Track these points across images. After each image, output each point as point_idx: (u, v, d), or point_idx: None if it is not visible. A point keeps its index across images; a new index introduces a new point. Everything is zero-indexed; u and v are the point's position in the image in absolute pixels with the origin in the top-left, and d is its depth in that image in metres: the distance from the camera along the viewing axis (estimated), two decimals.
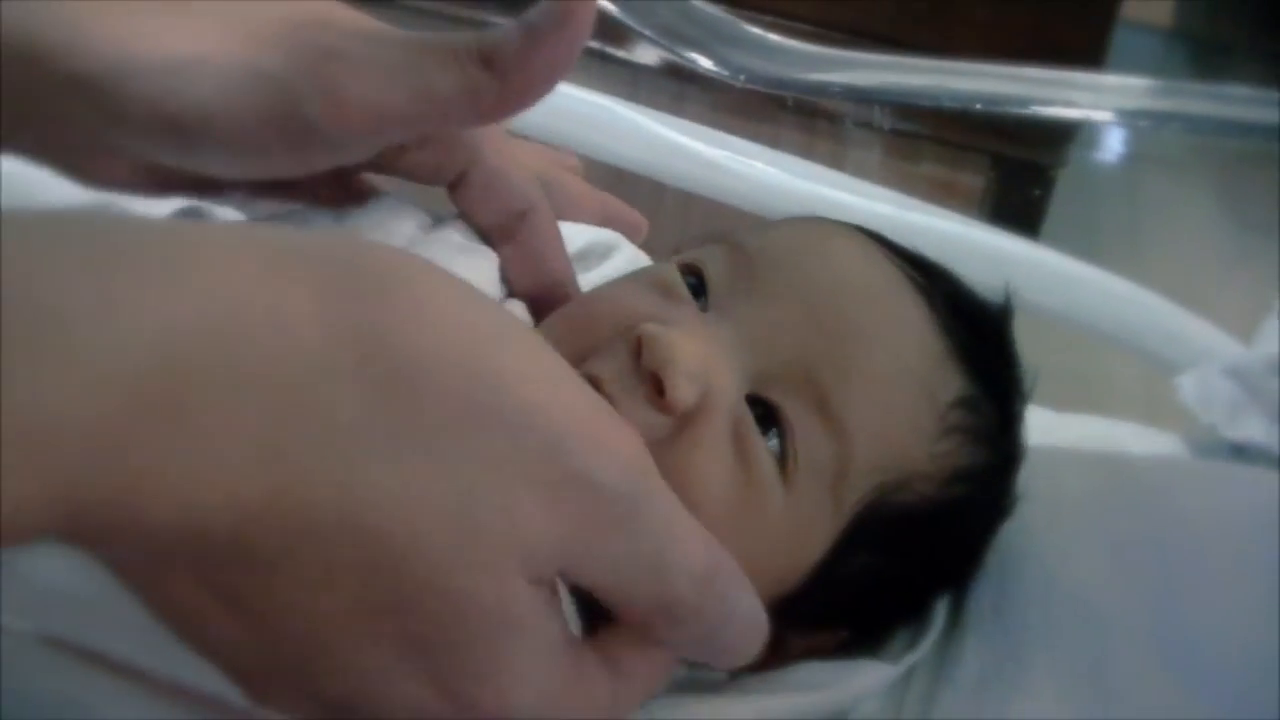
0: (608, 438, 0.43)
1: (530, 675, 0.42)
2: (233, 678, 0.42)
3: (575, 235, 0.68)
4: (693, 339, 0.53)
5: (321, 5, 0.54)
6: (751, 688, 0.57)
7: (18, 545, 0.35)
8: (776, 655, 0.55)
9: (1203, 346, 0.89)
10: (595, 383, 0.51)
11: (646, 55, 1.25)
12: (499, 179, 0.59)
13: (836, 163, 1.33)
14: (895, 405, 0.56)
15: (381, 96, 0.51)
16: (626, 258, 0.71)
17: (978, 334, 0.61)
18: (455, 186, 0.60)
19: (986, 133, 1.22)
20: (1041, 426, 0.85)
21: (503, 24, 0.50)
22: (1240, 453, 0.77)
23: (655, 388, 0.52)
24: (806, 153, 1.32)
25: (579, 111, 1.02)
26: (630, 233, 0.72)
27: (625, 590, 0.43)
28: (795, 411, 0.54)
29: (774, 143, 1.33)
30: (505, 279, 0.62)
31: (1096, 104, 1.04)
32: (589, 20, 0.50)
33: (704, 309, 0.57)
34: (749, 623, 0.47)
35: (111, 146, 0.52)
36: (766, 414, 0.54)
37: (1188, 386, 0.80)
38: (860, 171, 1.32)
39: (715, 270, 0.58)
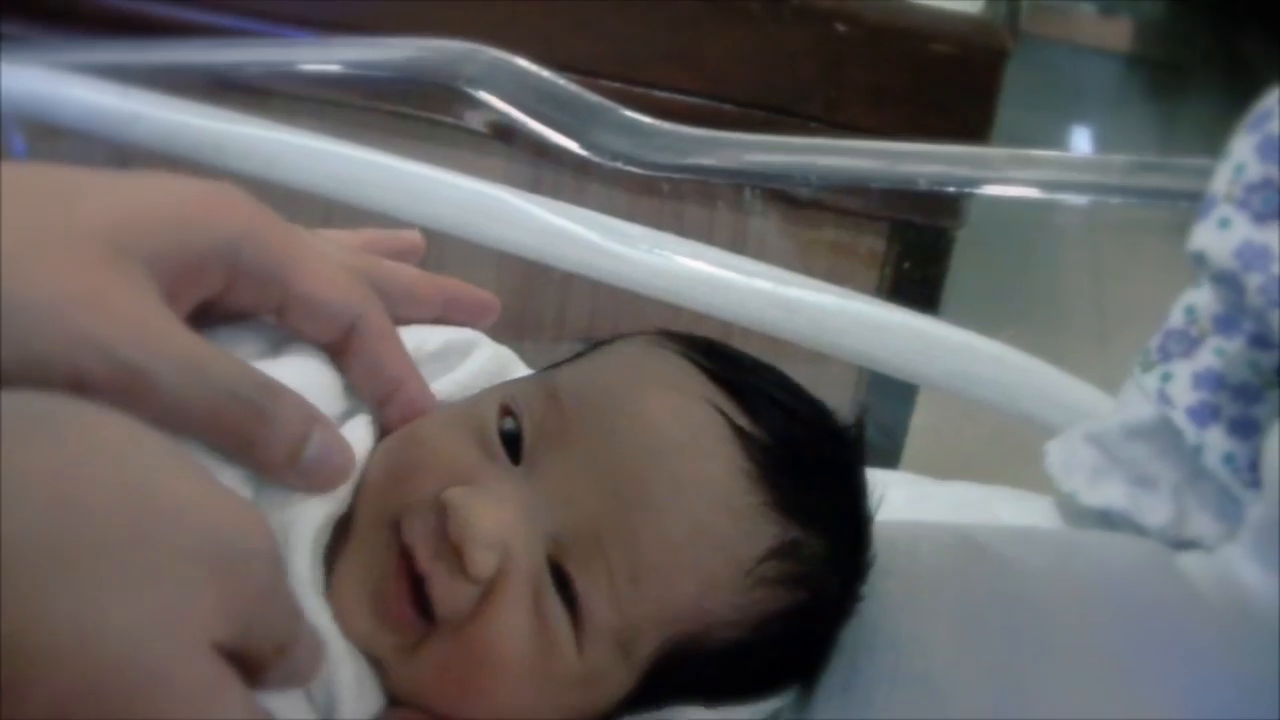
0: (248, 519, 0.50)
1: None
2: None
3: (432, 335, 0.69)
4: (494, 507, 0.57)
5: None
6: None
7: None
8: None
9: (1084, 410, 0.90)
10: (409, 554, 0.56)
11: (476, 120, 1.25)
12: (314, 303, 0.61)
13: (739, 233, 1.35)
14: (685, 568, 0.58)
15: None
16: (487, 354, 0.71)
17: (805, 474, 0.62)
18: (279, 316, 0.61)
19: (883, 198, 1.23)
20: (918, 495, 0.86)
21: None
22: (1107, 518, 0.78)
23: (459, 558, 0.55)
24: (709, 224, 1.35)
25: (461, 199, 1.04)
26: (478, 315, 0.72)
27: (266, 641, 0.50)
28: (587, 575, 0.57)
29: (678, 216, 1.35)
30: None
31: (981, 178, 1.06)
32: None
33: (518, 460, 0.59)
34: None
35: None
36: (563, 576, 0.57)
37: (1053, 453, 0.81)
38: (763, 240, 1.34)
39: (532, 418, 0.61)
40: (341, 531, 0.60)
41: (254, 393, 0.55)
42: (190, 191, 0.59)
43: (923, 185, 0.97)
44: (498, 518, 0.56)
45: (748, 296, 0.96)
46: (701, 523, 0.58)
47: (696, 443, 0.60)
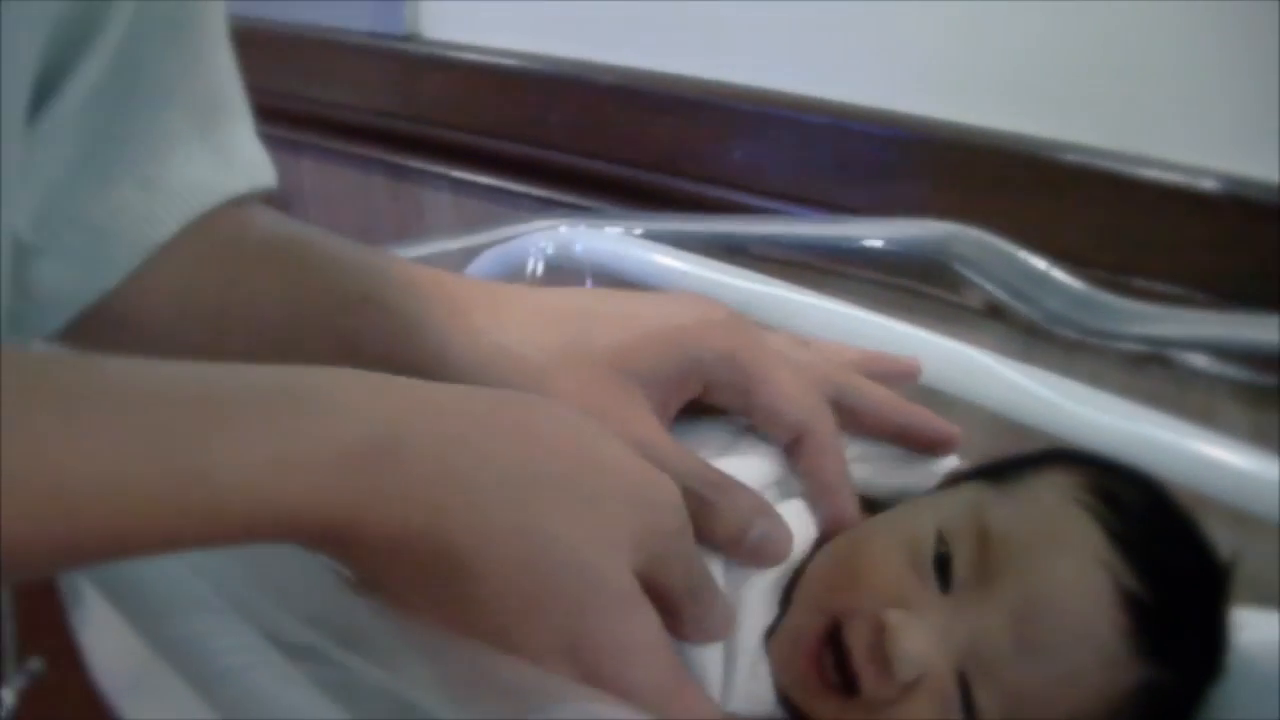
0: (665, 482, 0.64)
1: (645, 655, 0.60)
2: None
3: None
4: (921, 632, 0.71)
5: None
6: None
7: (282, 541, 0.54)
8: None
9: None
10: (847, 653, 0.72)
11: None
12: (770, 413, 0.78)
13: (1207, 411, 1.40)
14: (1061, 701, 0.72)
15: None
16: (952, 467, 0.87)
17: (1175, 622, 0.75)
18: (744, 414, 0.79)
19: None
20: None
21: None
22: None
23: (889, 666, 0.71)
24: (1179, 401, 1.41)
25: (941, 356, 1.18)
26: (933, 445, 0.87)
27: (676, 579, 0.64)
28: (985, 692, 0.72)
29: (1150, 393, 1.43)
30: None
31: None
32: None
33: (947, 585, 0.74)
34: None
35: None
36: (966, 688, 0.72)
37: None
38: (1232, 420, 1.39)
39: (962, 551, 0.75)
40: (784, 595, 0.76)
41: (702, 487, 0.72)
42: (685, 317, 0.77)
43: None
44: (925, 645, 0.71)
45: (1177, 458, 1.06)
46: (1081, 670, 0.72)
47: (1088, 605, 0.73)
